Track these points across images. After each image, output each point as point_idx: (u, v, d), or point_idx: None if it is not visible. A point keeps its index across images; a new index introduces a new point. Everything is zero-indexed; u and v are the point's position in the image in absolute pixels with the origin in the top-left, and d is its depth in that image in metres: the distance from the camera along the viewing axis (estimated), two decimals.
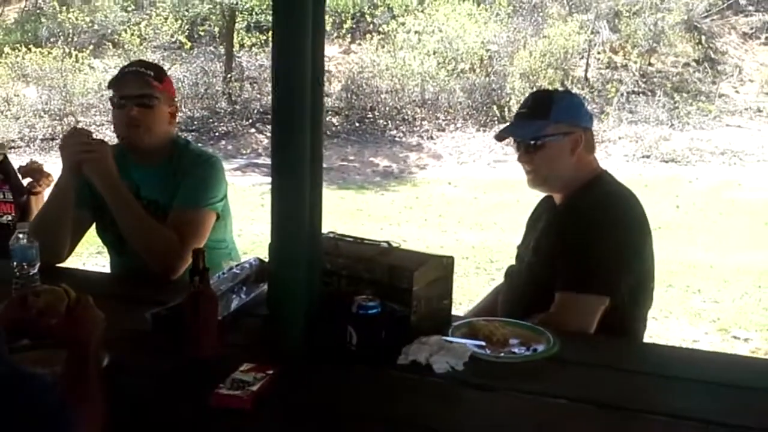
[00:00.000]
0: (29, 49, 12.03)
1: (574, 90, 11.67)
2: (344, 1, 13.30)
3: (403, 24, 12.59)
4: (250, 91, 12.39)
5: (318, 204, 1.63)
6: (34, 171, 3.28)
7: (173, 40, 12.87)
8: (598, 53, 12.65)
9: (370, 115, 12.12)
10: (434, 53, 12.17)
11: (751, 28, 13.33)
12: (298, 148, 1.50)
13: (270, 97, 1.61)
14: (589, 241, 1.98)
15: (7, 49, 12.27)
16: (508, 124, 2.36)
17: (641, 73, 12.45)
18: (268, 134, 10.24)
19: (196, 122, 11.84)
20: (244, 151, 10.89)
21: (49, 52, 11.97)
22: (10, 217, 3.26)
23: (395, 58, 12.21)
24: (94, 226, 2.46)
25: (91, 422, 1.33)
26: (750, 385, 1.62)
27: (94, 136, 2.29)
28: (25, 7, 14.68)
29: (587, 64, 12.47)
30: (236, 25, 12.91)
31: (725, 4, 13.38)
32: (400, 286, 1.75)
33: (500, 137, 2.27)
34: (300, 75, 1.47)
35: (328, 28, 13.05)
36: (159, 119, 2.30)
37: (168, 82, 2.37)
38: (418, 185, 9.70)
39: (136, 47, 12.31)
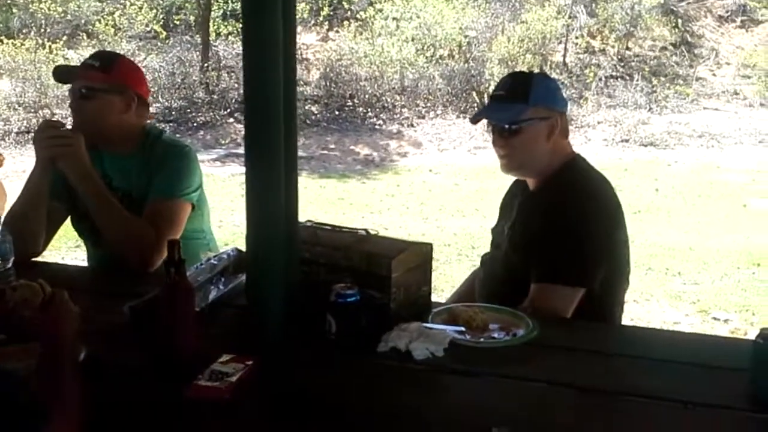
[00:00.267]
0: (1, 41, 11.82)
1: (553, 75, 11.70)
2: None
3: (380, 11, 12.52)
4: (228, 80, 12.27)
5: (294, 192, 1.61)
6: None
7: (148, 29, 12.70)
8: (576, 38, 12.66)
9: (350, 103, 12.06)
10: (412, 40, 12.12)
11: (727, 11, 13.41)
12: (272, 136, 1.48)
13: None
14: (563, 231, 1.97)
15: None
16: (484, 106, 2.31)
17: (619, 57, 12.50)
18: None
19: (173, 113, 11.71)
20: (223, 141, 10.80)
21: (22, 44, 11.75)
22: None
23: (373, 45, 12.14)
24: (69, 218, 2.44)
25: (65, 417, 1.31)
26: (727, 365, 1.63)
27: (67, 127, 2.27)
28: None
29: (565, 49, 12.48)
30: (212, 13, 12.76)
31: None
32: (379, 274, 1.75)
33: (475, 120, 2.24)
34: (271, 61, 1.45)
35: (305, 15, 12.97)
36: (104, 110, 2.27)
37: (120, 72, 2.31)
38: (400, 173, 9.68)
39: (111, 37, 12.12)
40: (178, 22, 13.18)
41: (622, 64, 12.41)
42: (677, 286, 5.35)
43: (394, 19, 12.37)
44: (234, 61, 12.48)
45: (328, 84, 12.21)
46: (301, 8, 12.85)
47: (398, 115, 11.73)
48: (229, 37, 12.74)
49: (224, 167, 9.57)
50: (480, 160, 9.66)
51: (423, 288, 1.87)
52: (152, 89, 11.90)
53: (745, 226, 6.86)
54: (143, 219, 2.21)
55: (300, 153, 10.62)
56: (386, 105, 11.94)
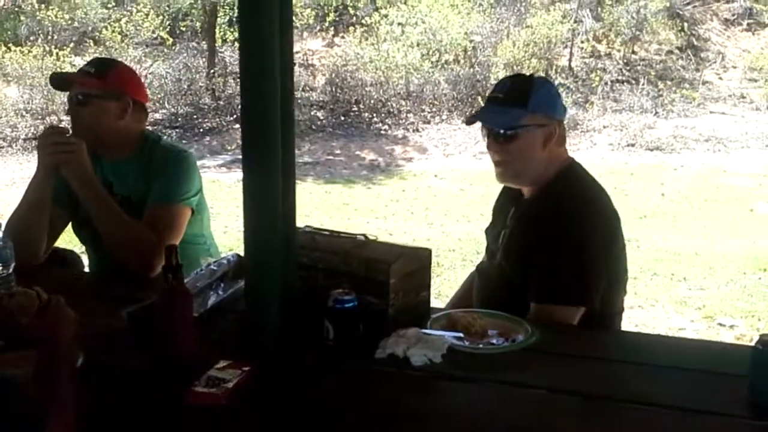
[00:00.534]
0: (9, 48, 11.88)
1: (559, 79, 11.69)
2: None
3: (386, 16, 12.53)
4: (234, 86, 12.28)
5: (291, 197, 1.61)
6: None
7: (155, 36, 12.75)
8: (582, 42, 12.65)
9: (355, 109, 12.07)
10: (418, 45, 12.13)
11: (733, 15, 13.37)
12: (269, 141, 1.48)
13: None
14: (561, 249, 1.91)
15: None
16: (480, 108, 2.21)
17: (625, 61, 12.47)
18: None
19: (180, 119, 11.76)
20: (229, 147, 10.81)
21: (29, 51, 11.82)
22: None
23: (379, 51, 12.16)
24: (70, 224, 2.44)
25: (62, 423, 1.31)
26: (728, 371, 1.61)
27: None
28: (4, 5, 14.51)
29: (571, 54, 12.46)
30: (218, 19, 12.81)
31: None
32: (377, 279, 1.74)
33: (471, 122, 2.16)
34: (267, 65, 1.45)
35: (310, 21, 12.99)
36: (100, 116, 2.28)
37: (116, 77, 2.33)
38: (405, 178, 9.68)
39: (118, 44, 12.17)
40: (184, 29, 13.23)
41: (628, 68, 12.39)
42: (683, 291, 5.31)
43: (399, 24, 12.39)
44: None
45: (333, 89, 12.23)
46: (307, 14, 12.88)
47: (404, 120, 11.74)
48: (236, 43, 12.76)
49: (230, 173, 9.58)
50: (485, 165, 9.57)
51: (422, 293, 1.86)
52: (158, 95, 11.95)
53: (751, 231, 6.82)
54: (143, 223, 2.22)
55: (305, 158, 10.59)
56: (392, 110, 11.94)
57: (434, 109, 11.86)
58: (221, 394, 1.46)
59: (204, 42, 12.94)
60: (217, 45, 12.66)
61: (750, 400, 1.48)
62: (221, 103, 12.00)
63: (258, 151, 1.50)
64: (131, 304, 1.85)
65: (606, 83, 11.85)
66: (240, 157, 1.60)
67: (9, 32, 13.07)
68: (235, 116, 11.65)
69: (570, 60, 12.46)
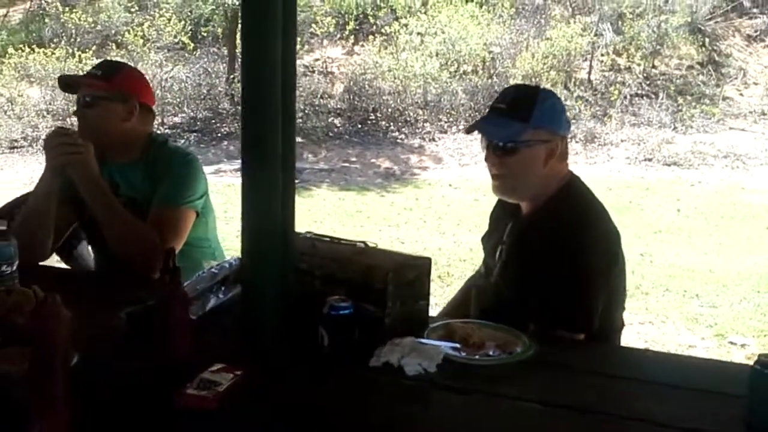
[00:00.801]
0: (33, 50, 12.06)
1: (577, 92, 11.65)
2: (347, 3, 13.29)
3: (405, 26, 12.56)
4: None
5: (290, 203, 1.61)
6: None
7: (176, 41, 12.87)
8: (602, 55, 12.60)
9: (373, 117, 12.09)
10: (437, 55, 12.14)
11: (756, 31, 13.26)
12: (268, 145, 1.49)
13: None
14: (562, 277, 1.85)
15: (11, 50, 12.30)
16: (482, 117, 2.13)
17: (645, 75, 12.39)
18: None
19: (198, 123, 11.85)
20: None
21: (53, 53, 11.99)
22: None
23: (398, 60, 12.18)
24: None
25: (53, 421, 1.32)
26: (728, 391, 1.58)
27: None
28: (30, 7, 14.72)
29: (590, 66, 12.42)
30: (239, 25, 12.91)
31: (729, 6, 13.31)
32: (375, 287, 1.74)
33: (470, 131, 2.09)
34: (269, 68, 1.46)
35: (331, 29, 13.05)
36: (106, 118, 2.31)
37: (123, 80, 2.35)
38: (420, 187, 9.67)
39: (140, 48, 12.30)
40: (205, 34, 13.33)
41: (648, 82, 12.31)
42: (694, 308, 5.26)
43: (418, 34, 12.40)
44: None
45: (351, 97, 12.27)
46: (327, 22, 12.95)
47: (420, 130, 11.74)
48: None
49: None
50: None
51: (420, 302, 1.85)
52: (178, 99, 12.06)
53: (767, 249, 6.74)
54: (147, 226, 2.23)
55: (321, 165, 10.62)
56: (408, 119, 11.95)
57: (451, 119, 11.85)
58: (212, 397, 1.46)
59: (224, 47, 13.04)
60: (237, 51, 12.74)
61: (747, 421, 1.46)
62: (240, 108, 12.06)
63: (258, 155, 1.50)
64: (132, 304, 1.86)
65: (625, 97, 11.78)
66: None
67: (34, 34, 13.27)
68: None
69: (589, 73, 12.41)
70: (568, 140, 2.08)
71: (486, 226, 2.30)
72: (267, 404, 1.51)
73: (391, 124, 11.90)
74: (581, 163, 9.77)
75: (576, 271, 1.85)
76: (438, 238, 7.04)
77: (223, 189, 7.59)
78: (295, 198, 1.65)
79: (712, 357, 4.25)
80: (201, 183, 2.35)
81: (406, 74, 11.98)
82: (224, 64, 12.80)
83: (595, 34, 12.42)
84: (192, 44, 12.89)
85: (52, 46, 12.35)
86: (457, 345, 1.75)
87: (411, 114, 12.00)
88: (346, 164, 10.69)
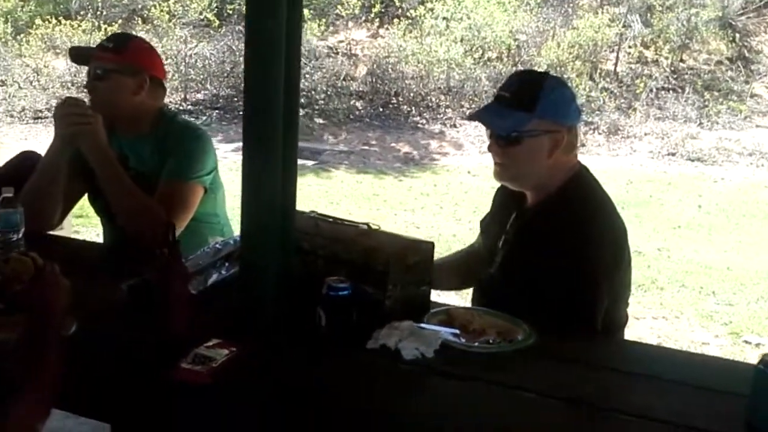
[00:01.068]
0: (59, 21, 12.13)
1: (603, 84, 11.50)
2: None
3: (431, 10, 12.45)
4: None
5: (292, 182, 1.60)
6: None
7: (201, 17, 12.87)
8: (629, 47, 12.40)
9: (394, 101, 12.03)
10: (461, 40, 12.02)
11: None
12: (268, 122, 1.47)
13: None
14: (567, 275, 1.78)
15: (38, 21, 12.38)
16: (485, 105, 2.06)
17: (672, 69, 12.19)
18: None
19: (221, 100, 11.87)
20: None
21: (79, 25, 12.05)
22: None
23: (422, 44, 12.08)
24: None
25: (42, 388, 1.32)
26: (732, 389, 1.54)
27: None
28: None
29: (617, 58, 12.24)
30: None
31: (762, 2, 13.04)
32: (376, 269, 1.72)
33: (471, 119, 2.01)
34: (272, 47, 1.44)
35: (356, 11, 12.97)
36: (116, 91, 2.30)
37: (134, 53, 2.34)
38: (438, 173, 9.63)
39: (165, 23, 12.31)
40: (231, 11, 13.32)
41: (675, 76, 12.11)
42: (710, 305, 5.19)
43: (444, 18, 12.29)
44: None
45: (374, 80, 12.20)
46: (353, 4, 12.87)
47: (441, 115, 11.66)
48: None
49: None
50: None
51: (422, 287, 1.83)
52: (201, 76, 12.08)
53: None
54: (155, 200, 2.23)
55: (341, 147, 10.62)
56: (430, 104, 11.88)
57: (473, 106, 11.73)
58: (206, 372, 1.46)
59: None
60: None
61: (747, 421, 1.43)
62: None
63: (255, 128, 1.49)
64: (135, 277, 1.86)
65: (651, 90, 11.61)
66: None
67: (61, 5, 13.32)
68: None
69: (615, 64, 12.23)
70: (591, 132, 2.01)
71: None
72: (261, 381, 1.51)
73: (413, 108, 11.84)
74: (604, 155, 9.65)
75: (581, 265, 1.80)
76: (454, 224, 7.00)
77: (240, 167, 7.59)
78: (296, 175, 1.63)
79: (726, 355, 4.20)
80: (210, 158, 2.34)
81: (429, 59, 11.89)
82: None
83: (623, 26, 12.23)
84: (217, 21, 12.88)
85: (79, 18, 12.41)
86: (457, 331, 1.73)
87: (433, 99, 11.92)
88: (366, 147, 10.66)
